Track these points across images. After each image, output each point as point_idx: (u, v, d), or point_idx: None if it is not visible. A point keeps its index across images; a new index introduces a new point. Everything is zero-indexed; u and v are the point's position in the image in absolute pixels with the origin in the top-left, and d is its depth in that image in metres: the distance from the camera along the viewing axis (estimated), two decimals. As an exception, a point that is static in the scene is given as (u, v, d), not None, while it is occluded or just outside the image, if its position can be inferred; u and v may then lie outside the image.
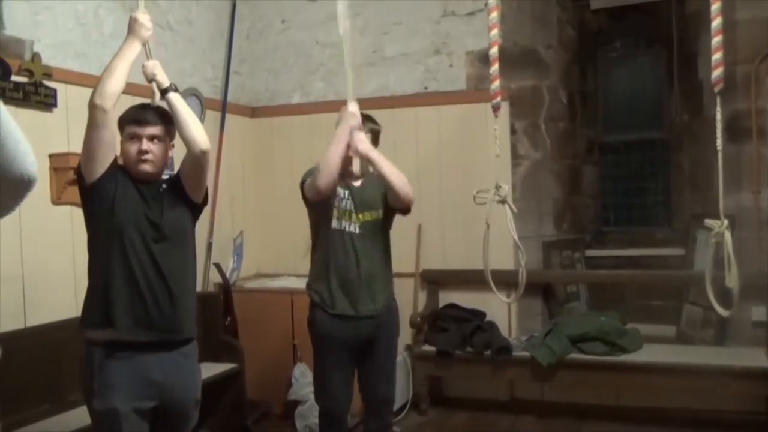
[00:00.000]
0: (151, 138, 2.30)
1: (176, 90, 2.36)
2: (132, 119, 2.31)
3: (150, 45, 2.38)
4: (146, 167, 2.29)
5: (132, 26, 2.32)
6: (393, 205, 2.95)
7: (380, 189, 2.95)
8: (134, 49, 2.30)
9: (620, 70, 5.18)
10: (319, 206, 2.91)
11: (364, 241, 2.89)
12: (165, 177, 2.43)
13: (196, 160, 2.36)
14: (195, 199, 2.43)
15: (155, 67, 2.36)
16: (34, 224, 3.17)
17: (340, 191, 2.91)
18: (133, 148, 2.29)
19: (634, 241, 4.92)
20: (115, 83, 2.21)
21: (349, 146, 2.78)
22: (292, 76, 4.95)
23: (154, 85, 2.36)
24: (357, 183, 2.96)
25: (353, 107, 2.81)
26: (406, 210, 2.96)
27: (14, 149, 1.48)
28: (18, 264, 3.14)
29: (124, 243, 2.25)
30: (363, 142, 2.80)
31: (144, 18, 2.32)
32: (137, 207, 2.28)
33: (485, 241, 2.43)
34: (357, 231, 2.90)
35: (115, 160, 2.31)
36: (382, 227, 2.99)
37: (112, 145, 2.29)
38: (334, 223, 2.90)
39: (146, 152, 2.28)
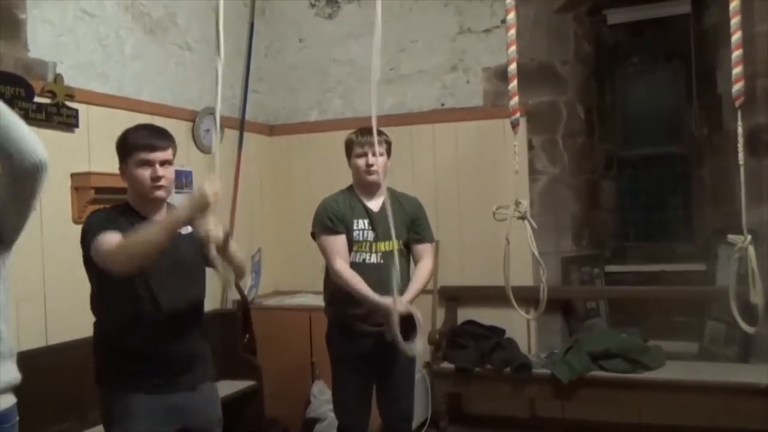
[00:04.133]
0: (163, 163, 2.25)
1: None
2: (143, 145, 2.24)
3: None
4: (161, 193, 2.26)
5: (197, 199, 2.00)
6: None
7: (403, 220, 2.93)
8: (183, 224, 2.09)
9: (638, 84, 5.16)
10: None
11: (384, 270, 2.80)
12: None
13: None
14: None
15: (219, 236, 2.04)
16: (56, 243, 3.21)
17: (359, 222, 2.89)
18: (145, 174, 2.23)
19: (655, 257, 4.87)
20: (147, 259, 2.06)
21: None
22: (310, 94, 4.99)
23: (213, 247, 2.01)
24: (377, 207, 2.92)
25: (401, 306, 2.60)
26: None
27: (24, 140, 1.61)
28: (40, 283, 3.17)
29: (134, 295, 2.21)
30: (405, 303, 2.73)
31: (212, 189, 1.96)
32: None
33: (506, 258, 2.41)
34: (376, 261, 2.88)
35: (116, 217, 2.24)
36: (404, 254, 2.97)
37: None
38: (352, 256, 2.89)
39: (160, 178, 2.23)
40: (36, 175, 1.66)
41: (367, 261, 2.87)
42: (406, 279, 2.98)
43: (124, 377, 2.24)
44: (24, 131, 1.63)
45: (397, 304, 2.41)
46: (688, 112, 4.89)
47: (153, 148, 2.24)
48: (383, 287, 2.78)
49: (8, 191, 1.67)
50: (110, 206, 2.38)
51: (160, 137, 2.28)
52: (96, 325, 2.33)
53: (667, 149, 5.03)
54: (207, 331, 2.45)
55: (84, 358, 3.13)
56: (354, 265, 2.86)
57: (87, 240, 2.20)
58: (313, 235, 2.96)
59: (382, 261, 2.86)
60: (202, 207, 1.98)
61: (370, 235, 2.88)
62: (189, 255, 2.31)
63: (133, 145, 2.25)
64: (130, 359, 2.23)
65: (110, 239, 2.11)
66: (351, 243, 2.88)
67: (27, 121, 3.00)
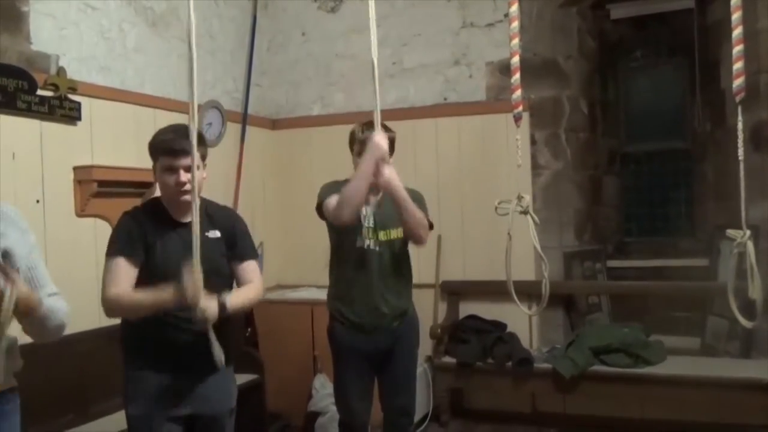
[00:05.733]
0: (188, 168, 2.21)
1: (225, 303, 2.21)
2: (167, 150, 2.27)
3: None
4: (186, 197, 2.24)
5: (176, 296, 2.10)
6: (407, 236, 2.95)
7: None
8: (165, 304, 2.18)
9: (641, 79, 5.15)
10: (342, 226, 2.91)
11: (384, 259, 2.90)
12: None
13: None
14: None
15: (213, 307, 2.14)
16: (58, 236, 3.21)
17: (363, 209, 2.90)
18: (170, 180, 2.27)
19: (657, 252, 4.86)
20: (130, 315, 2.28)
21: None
22: (312, 88, 4.99)
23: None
24: (377, 200, 2.94)
25: (379, 137, 2.64)
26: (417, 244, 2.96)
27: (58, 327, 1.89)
28: (42, 275, 3.18)
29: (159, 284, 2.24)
30: (387, 172, 2.67)
31: (192, 291, 2.07)
32: (174, 251, 2.27)
33: (507, 252, 2.41)
34: (377, 249, 2.90)
35: (142, 221, 2.32)
36: (401, 245, 2.98)
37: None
38: (359, 241, 2.90)
39: (185, 183, 2.24)
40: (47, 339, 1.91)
41: (369, 247, 2.89)
42: (406, 267, 3.02)
43: (142, 357, 2.31)
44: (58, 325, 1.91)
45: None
46: (691, 108, 4.87)
47: (175, 154, 2.25)
48: (384, 274, 2.86)
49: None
50: (143, 204, 2.46)
51: (184, 141, 2.22)
52: None
53: (670, 144, 5.02)
54: (231, 321, 2.42)
55: (86, 351, 3.17)
56: (358, 250, 2.88)
57: (106, 252, 2.32)
58: (320, 207, 2.92)
59: (381, 249, 2.90)
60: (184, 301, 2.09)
61: (371, 222, 2.91)
62: (215, 254, 2.35)
63: (158, 149, 2.30)
64: (149, 342, 2.29)
65: (117, 280, 2.24)
66: (357, 228, 2.89)
67: (30, 114, 3.09)
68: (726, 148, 4.15)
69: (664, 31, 4.99)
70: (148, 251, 2.29)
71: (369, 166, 2.64)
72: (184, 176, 2.25)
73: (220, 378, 2.38)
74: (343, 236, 2.92)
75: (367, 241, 2.89)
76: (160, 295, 2.13)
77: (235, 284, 2.45)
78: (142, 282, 2.28)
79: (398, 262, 2.96)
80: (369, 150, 2.65)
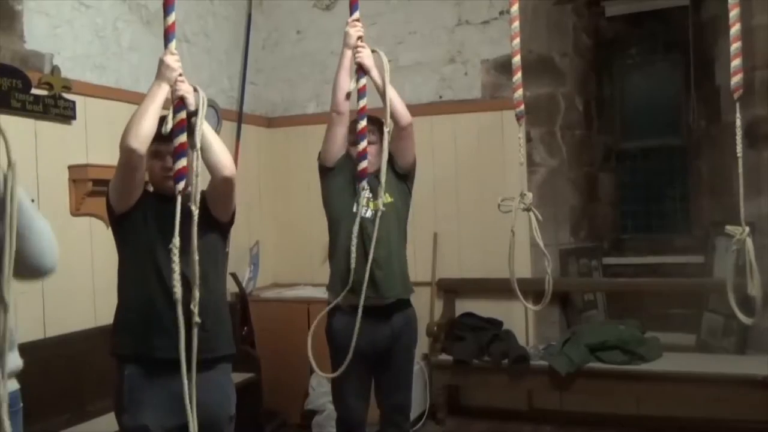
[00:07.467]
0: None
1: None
2: (155, 135, 2.23)
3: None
4: (172, 183, 2.18)
5: (159, 68, 2.20)
6: (395, 134, 2.92)
7: (391, 173, 2.95)
8: (162, 91, 2.19)
9: (637, 76, 5.16)
10: (338, 187, 2.93)
11: (380, 227, 2.81)
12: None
13: (219, 186, 2.29)
14: (220, 219, 2.38)
15: (189, 92, 2.21)
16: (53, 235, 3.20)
17: (360, 183, 2.92)
18: (157, 165, 2.27)
19: (653, 249, 4.88)
20: (149, 126, 2.15)
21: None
22: (308, 86, 4.98)
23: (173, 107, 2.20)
24: (371, 170, 2.92)
25: (351, 27, 2.78)
26: (405, 128, 2.97)
27: (41, 246, 1.75)
28: (38, 275, 3.17)
29: (150, 266, 2.23)
30: (364, 57, 2.73)
31: (171, 59, 2.18)
32: (164, 229, 2.17)
33: (511, 248, 2.42)
34: (372, 217, 2.87)
35: (144, 186, 2.30)
36: (397, 213, 2.99)
37: (143, 180, 2.27)
38: (354, 208, 2.89)
39: (170, 169, 2.20)
40: (38, 278, 1.77)
41: (365, 215, 2.87)
42: (398, 239, 3.01)
43: (135, 362, 2.25)
44: (45, 240, 1.77)
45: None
46: (686, 104, 4.89)
47: (162, 139, 2.21)
48: (379, 243, 2.80)
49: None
50: None
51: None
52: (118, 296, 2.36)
53: (665, 141, 5.03)
54: (225, 309, 2.46)
55: (82, 350, 3.17)
56: (353, 217, 2.80)
57: (107, 193, 2.28)
58: (319, 158, 3.08)
59: (376, 218, 2.83)
60: (165, 75, 2.17)
61: (367, 192, 2.88)
62: (199, 235, 2.29)
63: None
64: (137, 332, 2.25)
65: None
66: (353, 191, 2.87)
67: (24, 113, 3.08)
68: (721, 144, 4.16)
69: (659, 28, 5.01)
70: (130, 215, 2.25)
71: (344, 56, 2.80)
72: (170, 161, 2.21)
73: (219, 382, 2.34)
74: (341, 203, 2.93)
75: (363, 209, 2.86)
76: (152, 89, 2.18)
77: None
78: (127, 259, 2.29)
79: (395, 232, 2.98)
80: (344, 40, 2.80)
